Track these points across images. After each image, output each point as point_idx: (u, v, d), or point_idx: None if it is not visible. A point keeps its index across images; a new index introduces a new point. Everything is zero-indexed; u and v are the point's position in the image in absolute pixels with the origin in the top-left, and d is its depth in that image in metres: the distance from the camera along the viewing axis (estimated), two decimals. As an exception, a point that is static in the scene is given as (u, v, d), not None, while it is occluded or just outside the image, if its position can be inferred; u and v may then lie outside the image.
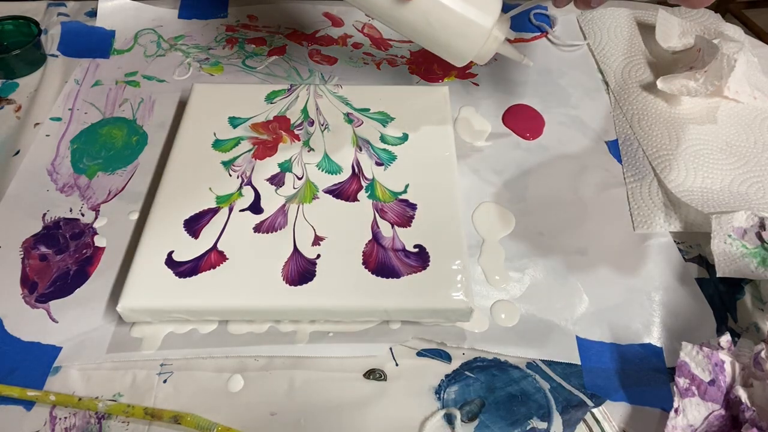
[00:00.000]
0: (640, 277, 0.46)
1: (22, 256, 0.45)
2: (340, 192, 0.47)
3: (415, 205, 0.46)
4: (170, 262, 0.42)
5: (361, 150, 0.50)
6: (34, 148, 0.53)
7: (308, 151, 0.50)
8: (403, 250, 0.43)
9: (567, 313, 0.44)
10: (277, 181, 0.47)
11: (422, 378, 0.40)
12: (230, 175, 0.47)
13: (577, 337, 0.42)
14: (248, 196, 0.46)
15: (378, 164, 0.49)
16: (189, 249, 0.42)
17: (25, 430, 0.37)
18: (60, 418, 0.38)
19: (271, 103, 0.53)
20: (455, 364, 0.41)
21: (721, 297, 0.45)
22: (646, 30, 0.65)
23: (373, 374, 0.40)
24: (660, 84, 0.56)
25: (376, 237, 0.44)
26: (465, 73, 0.61)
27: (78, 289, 0.44)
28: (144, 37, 0.64)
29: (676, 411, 0.36)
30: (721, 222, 0.45)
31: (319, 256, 0.42)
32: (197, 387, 0.39)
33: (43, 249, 0.46)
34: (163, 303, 0.40)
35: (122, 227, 0.47)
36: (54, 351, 0.40)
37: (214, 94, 0.54)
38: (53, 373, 0.40)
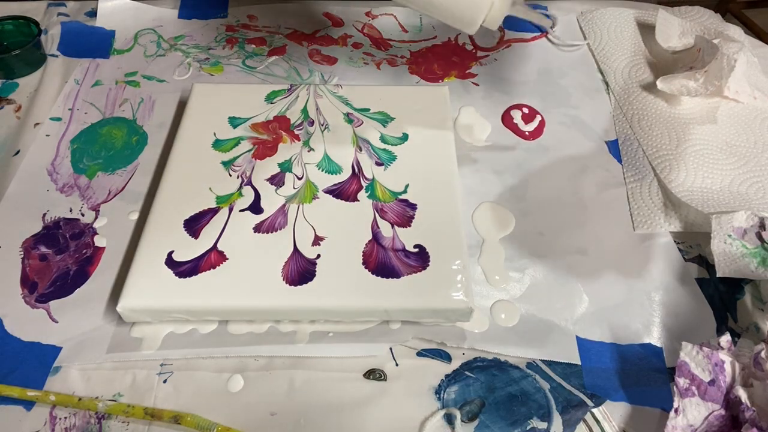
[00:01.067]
0: (640, 277, 0.46)
1: (22, 256, 0.45)
2: (340, 192, 0.47)
3: (415, 205, 0.46)
4: (170, 262, 0.42)
5: (361, 150, 0.50)
6: (34, 148, 0.53)
7: (308, 151, 0.50)
8: (403, 250, 0.43)
9: (567, 313, 0.44)
10: (277, 181, 0.47)
11: (422, 378, 0.40)
12: (230, 175, 0.47)
13: (577, 337, 0.42)
14: (248, 196, 0.46)
15: (378, 164, 0.49)
16: (189, 249, 0.42)
17: (25, 430, 0.37)
18: (60, 418, 0.38)
19: (271, 103, 0.53)
20: (455, 364, 0.41)
21: (721, 297, 0.45)
22: (646, 30, 0.65)
23: (373, 374, 0.40)
24: (660, 84, 0.56)
25: (376, 237, 0.44)
26: (465, 73, 0.61)
27: (78, 289, 0.44)
28: (144, 37, 0.64)
29: (676, 411, 0.36)
30: (721, 222, 0.45)
31: (319, 256, 0.42)
32: (197, 387, 0.39)
33: (43, 249, 0.46)
34: (163, 303, 0.40)
35: (122, 227, 0.47)
36: (54, 351, 0.40)
37: (214, 94, 0.54)
38: (53, 373, 0.40)
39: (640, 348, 0.42)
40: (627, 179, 0.52)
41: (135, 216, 0.48)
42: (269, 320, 0.42)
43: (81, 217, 0.48)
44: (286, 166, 0.48)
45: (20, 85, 0.59)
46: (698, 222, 0.48)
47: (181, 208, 0.45)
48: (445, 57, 0.62)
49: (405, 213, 0.45)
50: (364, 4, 0.68)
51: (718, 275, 0.44)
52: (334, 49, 0.64)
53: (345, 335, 0.42)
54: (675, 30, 0.63)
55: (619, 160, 0.54)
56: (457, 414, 0.38)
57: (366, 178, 0.48)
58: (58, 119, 0.55)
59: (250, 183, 0.47)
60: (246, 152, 0.49)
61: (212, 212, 0.45)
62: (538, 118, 0.57)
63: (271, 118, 0.52)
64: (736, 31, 0.64)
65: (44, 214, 0.48)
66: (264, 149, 0.50)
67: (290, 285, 0.41)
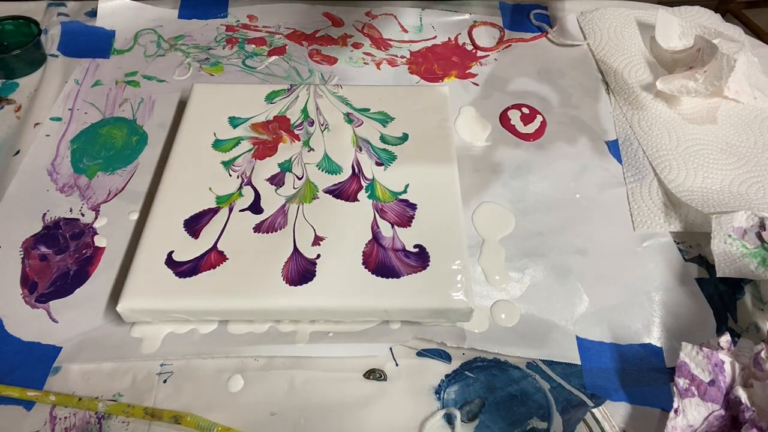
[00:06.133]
0: (640, 277, 0.46)
1: (22, 256, 0.45)
2: (340, 192, 0.47)
3: (415, 205, 0.46)
4: (170, 262, 0.42)
5: (361, 150, 0.50)
6: (34, 148, 0.53)
7: (308, 151, 0.50)
8: (403, 250, 0.43)
9: (567, 313, 0.44)
10: (277, 181, 0.47)
11: (422, 378, 0.40)
12: (230, 175, 0.47)
13: (577, 337, 0.42)
14: (248, 196, 0.46)
15: (378, 164, 0.49)
16: (189, 249, 0.42)
17: (25, 430, 0.37)
18: (60, 418, 0.38)
19: (271, 103, 0.53)
20: (455, 364, 0.41)
21: (721, 297, 0.45)
22: (646, 30, 0.65)
23: (373, 374, 0.40)
24: (660, 84, 0.56)
25: (376, 237, 0.44)
26: (465, 73, 0.61)
27: (78, 289, 0.44)
28: (144, 37, 0.64)
29: (675, 411, 0.36)
30: (721, 222, 0.45)
31: (319, 256, 0.42)
32: (197, 387, 0.39)
33: (43, 249, 0.46)
34: (163, 303, 0.40)
35: (122, 227, 0.47)
36: (54, 351, 0.40)
37: (214, 94, 0.54)
38: (53, 373, 0.40)
39: (640, 348, 0.42)
40: (627, 179, 0.52)
41: (135, 216, 0.48)
42: (269, 320, 0.42)
43: (81, 217, 0.48)
44: (286, 166, 0.48)
45: (20, 85, 0.59)
46: (698, 222, 0.48)
47: (181, 208, 0.45)
48: (445, 57, 0.62)
49: (405, 213, 0.45)
50: (364, 4, 0.68)
51: (718, 275, 0.44)
52: (334, 49, 0.64)
53: (345, 335, 0.42)
54: (675, 30, 0.63)
55: (619, 160, 0.54)
56: (457, 414, 0.38)
57: (366, 178, 0.48)
58: (58, 119, 0.55)
59: (250, 183, 0.47)
60: (246, 152, 0.49)
61: (212, 212, 0.45)
62: (539, 118, 0.57)
63: (271, 118, 0.52)
64: (736, 31, 0.65)
65: (44, 214, 0.48)
66: (264, 149, 0.50)
67: (290, 285, 0.41)
